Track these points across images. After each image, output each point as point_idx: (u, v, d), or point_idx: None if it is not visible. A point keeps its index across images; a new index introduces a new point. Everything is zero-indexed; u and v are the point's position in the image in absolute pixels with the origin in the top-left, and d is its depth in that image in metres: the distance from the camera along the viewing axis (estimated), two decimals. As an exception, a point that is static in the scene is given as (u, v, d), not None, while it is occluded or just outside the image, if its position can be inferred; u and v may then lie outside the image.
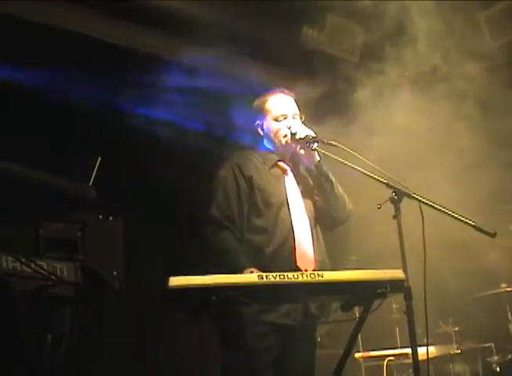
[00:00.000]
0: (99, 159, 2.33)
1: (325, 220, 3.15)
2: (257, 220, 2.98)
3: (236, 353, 2.82)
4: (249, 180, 3.03)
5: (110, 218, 2.16)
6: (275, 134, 3.15)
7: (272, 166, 3.15)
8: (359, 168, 2.81)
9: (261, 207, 2.99)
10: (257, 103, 3.26)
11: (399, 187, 2.69)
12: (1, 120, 3.78)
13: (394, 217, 2.65)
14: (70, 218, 2.03)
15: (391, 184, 2.70)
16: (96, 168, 2.32)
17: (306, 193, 3.14)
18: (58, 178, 1.98)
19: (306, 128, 3.08)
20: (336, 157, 2.92)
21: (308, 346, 3.01)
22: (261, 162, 3.14)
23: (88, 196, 2.04)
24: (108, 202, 2.14)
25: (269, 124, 3.17)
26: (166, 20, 4.61)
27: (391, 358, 4.54)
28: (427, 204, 2.66)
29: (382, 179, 2.74)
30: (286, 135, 3.11)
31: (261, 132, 3.20)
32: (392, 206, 2.66)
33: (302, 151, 3.10)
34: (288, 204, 3.03)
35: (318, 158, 3.12)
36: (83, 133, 4.33)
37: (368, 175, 2.78)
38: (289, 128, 3.11)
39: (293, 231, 2.97)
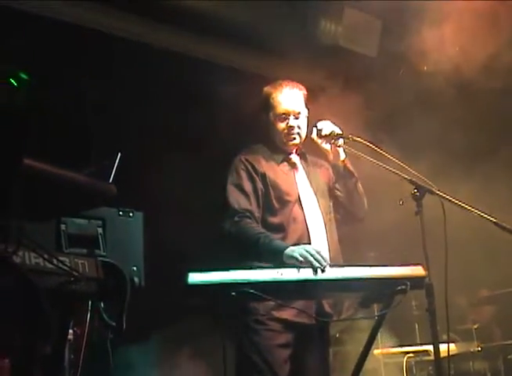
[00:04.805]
0: (119, 155, 2.32)
1: (345, 216, 3.13)
2: (271, 218, 2.94)
3: (251, 349, 2.81)
4: (263, 177, 2.99)
5: (131, 213, 2.15)
6: (280, 132, 3.07)
7: (282, 161, 3.10)
8: (384, 165, 2.79)
9: (276, 205, 2.95)
10: (263, 93, 3.14)
11: (422, 184, 2.67)
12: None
13: (417, 213, 2.63)
14: (90, 214, 2.03)
15: (414, 180, 2.68)
16: (116, 164, 2.31)
17: (317, 188, 3.09)
18: (79, 175, 1.98)
19: (332, 125, 3.06)
20: (362, 154, 2.90)
21: (321, 344, 2.98)
22: (270, 157, 3.08)
23: (108, 193, 2.04)
24: (128, 198, 2.14)
25: (273, 120, 3.09)
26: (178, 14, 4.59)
27: (411, 355, 4.51)
28: (449, 200, 2.63)
29: (405, 176, 2.72)
30: (289, 136, 3.04)
31: (266, 124, 3.12)
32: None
33: (328, 147, 3.08)
34: (300, 200, 3.00)
35: (344, 155, 3.09)
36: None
37: (392, 171, 2.76)
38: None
39: (307, 228, 2.94)
